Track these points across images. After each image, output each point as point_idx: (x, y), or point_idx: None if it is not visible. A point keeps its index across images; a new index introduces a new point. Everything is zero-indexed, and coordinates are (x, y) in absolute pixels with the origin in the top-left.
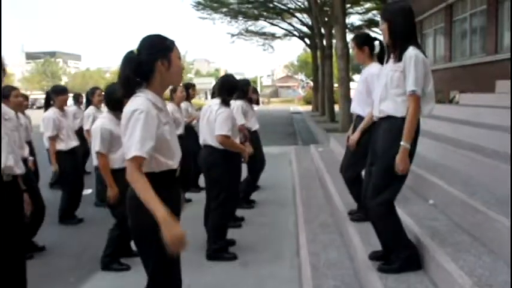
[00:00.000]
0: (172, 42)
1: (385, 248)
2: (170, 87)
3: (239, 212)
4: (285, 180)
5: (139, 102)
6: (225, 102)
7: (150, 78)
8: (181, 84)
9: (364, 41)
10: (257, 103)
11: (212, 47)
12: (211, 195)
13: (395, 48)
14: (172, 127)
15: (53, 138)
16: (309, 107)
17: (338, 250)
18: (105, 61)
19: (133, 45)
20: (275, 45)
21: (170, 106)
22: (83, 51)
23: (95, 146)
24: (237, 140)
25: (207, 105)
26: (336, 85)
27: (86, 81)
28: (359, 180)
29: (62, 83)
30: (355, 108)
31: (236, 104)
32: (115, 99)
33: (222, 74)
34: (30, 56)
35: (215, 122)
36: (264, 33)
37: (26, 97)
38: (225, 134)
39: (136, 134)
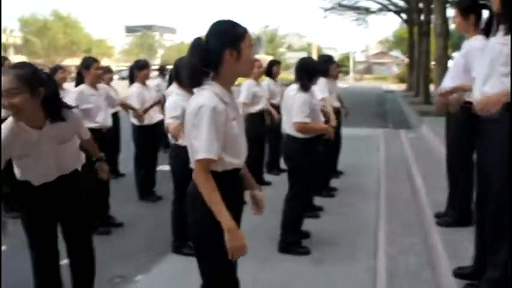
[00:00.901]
0: (244, 31)
1: (478, 263)
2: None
3: (318, 201)
4: (370, 167)
5: (205, 96)
6: (304, 88)
7: (218, 69)
8: (258, 59)
9: (470, 7)
10: (335, 78)
11: (305, 21)
12: (289, 184)
13: (507, 17)
14: (240, 122)
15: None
16: (403, 86)
17: (419, 256)
18: (199, 34)
19: (222, 18)
20: (370, 20)
21: (247, 81)
22: (178, 24)
23: (166, 121)
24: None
25: (286, 91)
26: (433, 63)
27: (180, 54)
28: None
29: (158, 55)
30: (447, 83)
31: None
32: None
33: (314, 48)
34: (129, 30)
35: (292, 109)
36: (357, 8)
37: (109, 70)
38: (302, 120)
39: (203, 133)
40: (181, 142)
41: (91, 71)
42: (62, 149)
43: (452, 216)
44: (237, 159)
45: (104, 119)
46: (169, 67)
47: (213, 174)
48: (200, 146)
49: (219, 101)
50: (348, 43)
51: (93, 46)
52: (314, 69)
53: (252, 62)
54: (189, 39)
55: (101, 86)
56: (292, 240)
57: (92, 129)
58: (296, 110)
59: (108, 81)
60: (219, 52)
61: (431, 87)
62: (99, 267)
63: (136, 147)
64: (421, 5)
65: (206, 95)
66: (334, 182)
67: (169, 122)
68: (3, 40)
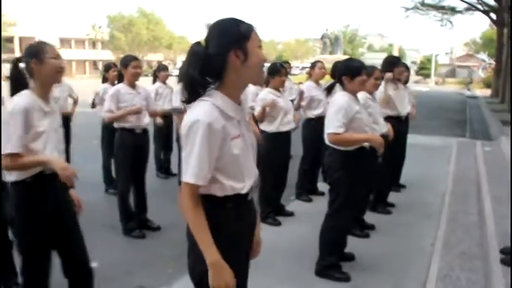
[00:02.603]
0: (249, 28)
1: None
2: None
3: (372, 217)
4: (437, 183)
5: (202, 109)
6: (329, 90)
7: (222, 76)
8: (321, 60)
9: None
10: (405, 82)
11: (387, 21)
12: (328, 200)
13: None
14: (247, 140)
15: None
16: (488, 91)
17: None
18: (278, 33)
19: (304, 17)
20: (455, 21)
21: (307, 83)
22: (258, 22)
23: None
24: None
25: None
26: None
27: None
28: None
29: None
30: None
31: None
32: None
33: (395, 49)
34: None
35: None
36: (442, 7)
37: (165, 68)
38: (333, 131)
39: (194, 153)
40: None
41: (129, 69)
42: (59, 131)
43: None
44: (240, 183)
45: (137, 119)
46: None
47: (212, 200)
48: (189, 167)
49: (219, 115)
50: (433, 44)
51: (175, 42)
52: (356, 69)
53: (262, 64)
54: (267, 38)
55: (141, 85)
56: (330, 263)
57: (124, 129)
58: (328, 118)
59: (164, 79)
60: (223, 55)
61: None
62: (124, 272)
63: (179, 148)
64: None
65: (204, 107)
66: (393, 197)
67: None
68: (92, 36)
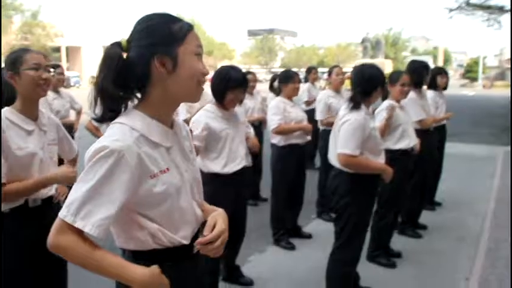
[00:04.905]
0: (184, 28)
1: None
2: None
3: (399, 242)
4: (477, 200)
5: (114, 134)
6: (356, 106)
7: (145, 89)
8: (339, 65)
9: None
10: (444, 88)
11: (431, 23)
12: (334, 230)
13: None
14: (183, 173)
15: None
16: None
17: None
18: (320, 38)
19: (346, 22)
20: (504, 20)
21: (324, 92)
22: (300, 28)
23: None
24: (381, 159)
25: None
26: None
27: (300, 57)
28: None
29: (278, 58)
30: None
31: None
32: None
33: (440, 52)
34: (251, 33)
35: (339, 135)
36: (489, 7)
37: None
38: (350, 153)
39: (86, 186)
40: None
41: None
42: (52, 152)
43: None
44: (177, 232)
45: None
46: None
47: (142, 256)
48: (68, 201)
49: (138, 141)
50: (480, 46)
51: (215, 49)
52: (374, 78)
53: (200, 76)
54: (309, 43)
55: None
56: None
57: None
58: (342, 136)
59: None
60: (144, 62)
61: None
62: None
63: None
64: None
65: (117, 131)
66: (427, 216)
67: None
68: None
